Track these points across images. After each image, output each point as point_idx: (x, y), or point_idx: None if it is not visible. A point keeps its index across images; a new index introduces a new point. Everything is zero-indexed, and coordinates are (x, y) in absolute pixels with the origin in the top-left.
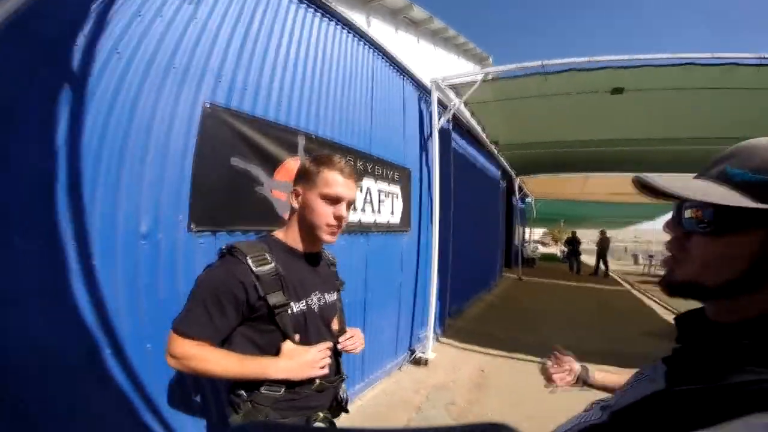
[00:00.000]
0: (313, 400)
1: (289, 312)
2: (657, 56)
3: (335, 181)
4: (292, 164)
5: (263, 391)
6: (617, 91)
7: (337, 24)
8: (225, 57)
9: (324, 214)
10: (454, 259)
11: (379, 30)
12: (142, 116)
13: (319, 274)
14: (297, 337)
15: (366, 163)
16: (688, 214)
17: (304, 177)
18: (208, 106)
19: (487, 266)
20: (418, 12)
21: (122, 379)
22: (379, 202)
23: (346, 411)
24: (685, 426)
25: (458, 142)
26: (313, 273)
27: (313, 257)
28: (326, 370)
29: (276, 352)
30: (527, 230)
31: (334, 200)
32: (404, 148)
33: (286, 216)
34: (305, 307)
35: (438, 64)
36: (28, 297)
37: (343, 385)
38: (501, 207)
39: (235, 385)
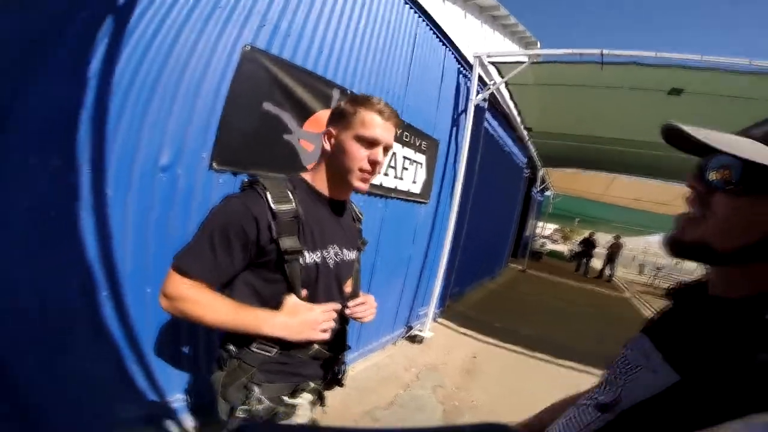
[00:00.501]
0: (307, 368)
1: (301, 261)
2: (731, 60)
3: (373, 122)
4: (323, 116)
5: (254, 349)
6: (675, 91)
7: None
8: (271, 1)
9: (358, 157)
10: (464, 241)
11: None
12: (180, 53)
13: (342, 226)
14: (304, 292)
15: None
16: (714, 169)
17: (338, 117)
18: (248, 48)
19: (495, 253)
20: None
21: (114, 324)
22: (402, 169)
23: (341, 384)
24: (715, 416)
25: (491, 122)
26: (335, 223)
27: (338, 206)
28: (327, 335)
29: (278, 305)
30: (540, 224)
31: (371, 143)
32: (436, 119)
33: (310, 167)
34: (319, 260)
35: (483, 42)
36: (29, 227)
37: (344, 357)
38: (520, 196)
39: (226, 337)
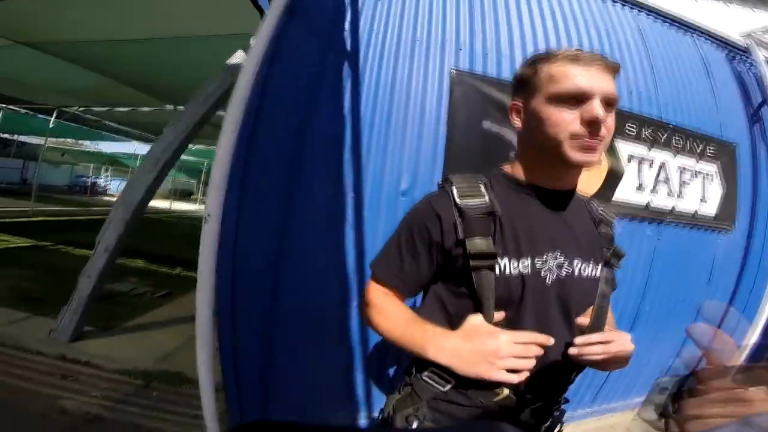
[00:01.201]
0: (493, 418)
1: (497, 271)
2: None
3: (567, 72)
4: None
5: (425, 378)
6: None
7: None
8: (458, 27)
9: (561, 120)
10: None
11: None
12: (400, 86)
13: (568, 226)
14: (500, 314)
15: (658, 131)
16: None
17: (520, 86)
18: (454, 72)
19: None
20: None
21: (356, 335)
22: (681, 183)
23: None
24: None
25: None
26: (556, 221)
27: (558, 198)
28: (518, 377)
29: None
30: None
31: (575, 98)
32: (719, 117)
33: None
34: (528, 270)
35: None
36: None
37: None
38: None
39: (413, 359)
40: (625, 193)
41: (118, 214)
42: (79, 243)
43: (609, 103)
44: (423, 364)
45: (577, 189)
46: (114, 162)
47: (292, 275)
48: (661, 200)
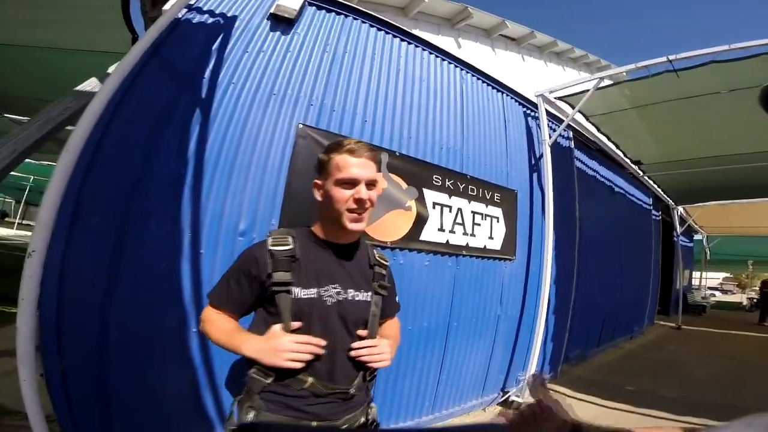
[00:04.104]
0: (309, 405)
1: (292, 295)
2: None
3: (346, 163)
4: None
5: (252, 374)
6: None
7: (416, 46)
8: (314, 83)
9: (342, 199)
10: (578, 298)
11: (473, 50)
12: (249, 134)
13: (345, 268)
14: (296, 324)
15: (457, 182)
16: None
17: (319, 169)
18: (300, 126)
19: (630, 310)
20: (514, 29)
21: (197, 356)
22: (473, 225)
23: None
24: None
25: (586, 162)
26: (338, 266)
27: (342, 250)
28: (296, 364)
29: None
30: (696, 274)
31: (351, 183)
32: (508, 168)
33: (368, 229)
34: (314, 296)
35: (553, 79)
36: (146, 274)
37: (372, 408)
38: (654, 243)
39: (248, 362)
40: (429, 233)
41: None
42: None
43: (371, 183)
44: (250, 363)
45: (359, 241)
46: None
47: (125, 304)
48: (458, 238)
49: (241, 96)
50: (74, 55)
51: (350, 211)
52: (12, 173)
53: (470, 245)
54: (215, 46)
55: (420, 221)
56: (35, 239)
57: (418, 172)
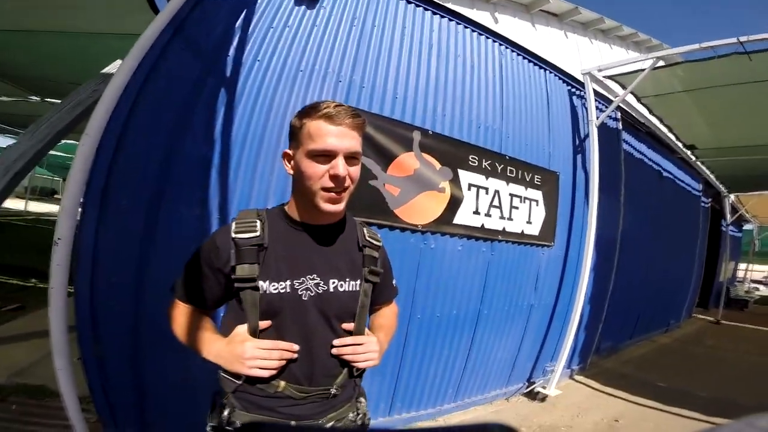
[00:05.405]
0: (285, 407)
1: (259, 291)
2: None
3: (320, 131)
4: (406, 159)
5: (223, 375)
6: None
7: (450, 20)
8: (342, 59)
9: (314, 175)
10: (615, 288)
11: (512, 25)
12: (276, 112)
13: (326, 255)
14: (266, 323)
15: (495, 163)
16: None
17: (291, 136)
18: None
19: (668, 302)
20: (556, 3)
21: None
22: (510, 208)
23: None
24: None
25: (634, 145)
26: (317, 252)
27: (322, 233)
28: (263, 372)
29: (252, 333)
30: (741, 265)
31: (326, 156)
32: (550, 148)
33: (397, 210)
34: (287, 290)
35: (599, 58)
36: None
37: (361, 402)
38: (701, 231)
39: None
40: (464, 216)
41: None
42: None
43: (353, 156)
44: (218, 365)
45: (344, 220)
46: None
47: (156, 288)
48: (494, 222)
49: (267, 73)
50: (102, 39)
51: (325, 189)
52: (57, 153)
53: (507, 230)
54: (239, 23)
55: (454, 204)
56: (61, 227)
57: (452, 152)
